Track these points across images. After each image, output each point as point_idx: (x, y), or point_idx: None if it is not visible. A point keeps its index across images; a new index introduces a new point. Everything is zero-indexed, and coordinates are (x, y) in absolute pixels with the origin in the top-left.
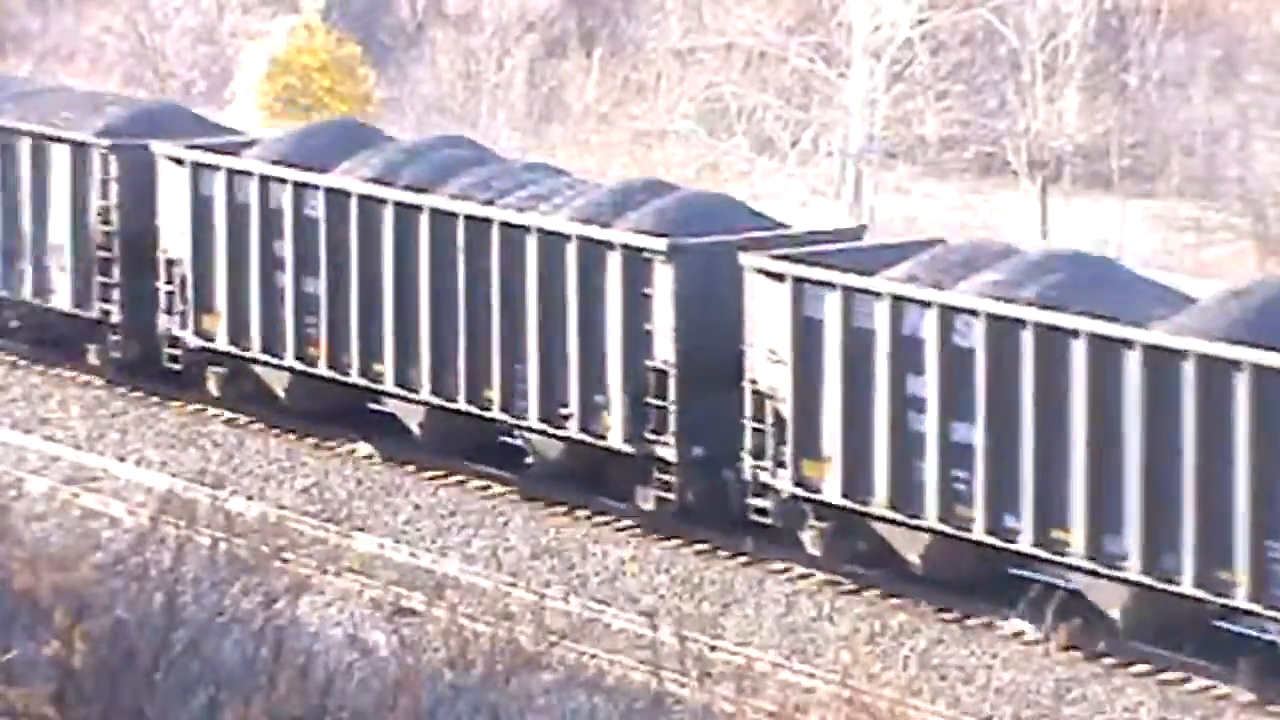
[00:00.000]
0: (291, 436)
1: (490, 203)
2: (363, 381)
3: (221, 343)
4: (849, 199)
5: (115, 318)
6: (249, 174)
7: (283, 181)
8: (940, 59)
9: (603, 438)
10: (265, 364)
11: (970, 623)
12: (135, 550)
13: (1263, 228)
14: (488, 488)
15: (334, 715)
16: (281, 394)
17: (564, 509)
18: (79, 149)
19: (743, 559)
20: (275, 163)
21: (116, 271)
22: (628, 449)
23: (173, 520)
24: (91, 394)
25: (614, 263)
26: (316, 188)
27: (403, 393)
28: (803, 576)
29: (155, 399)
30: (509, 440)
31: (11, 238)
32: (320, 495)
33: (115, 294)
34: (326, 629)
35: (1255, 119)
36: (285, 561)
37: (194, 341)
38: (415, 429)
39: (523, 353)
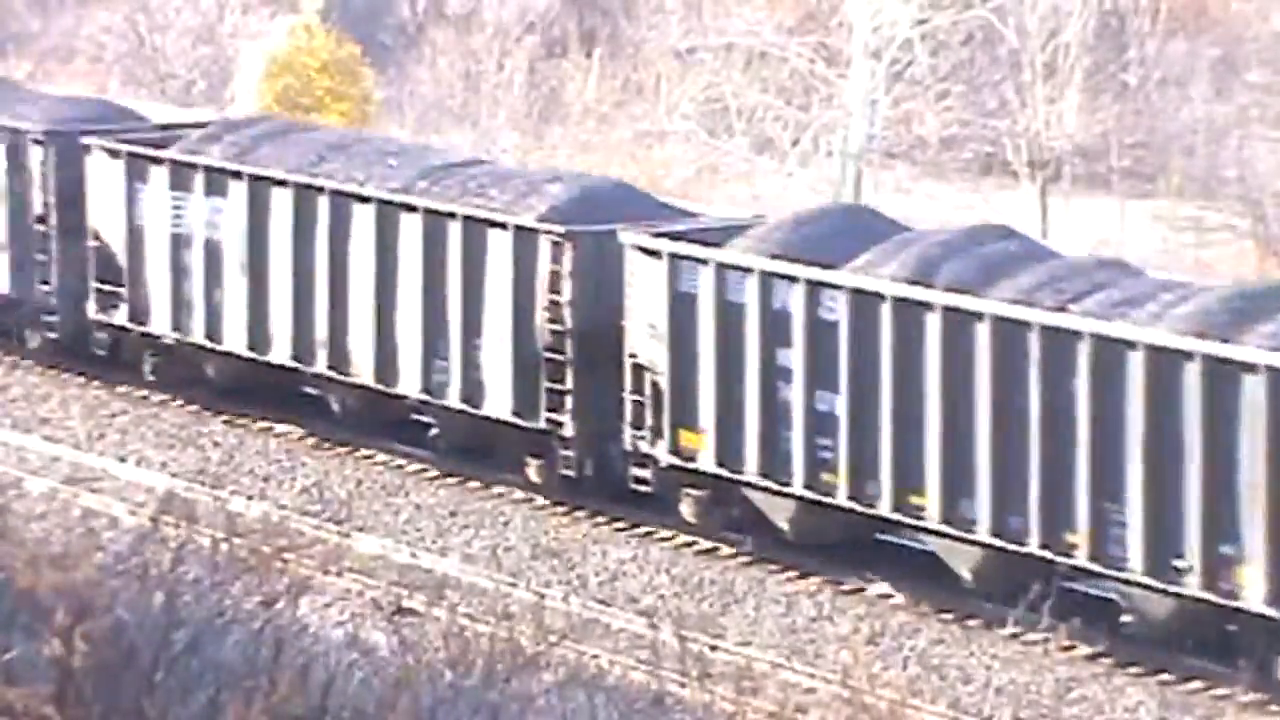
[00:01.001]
0: (292, 436)
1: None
2: (895, 515)
3: (706, 464)
4: (849, 199)
5: (567, 429)
6: (746, 270)
7: (792, 279)
8: (940, 59)
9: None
10: (764, 490)
11: (970, 623)
12: (135, 550)
13: (1263, 228)
14: (488, 487)
15: (334, 715)
16: (784, 524)
17: (564, 509)
18: (523, 235)
19: (743, 559)
20: (775, 256)
21: (569, 376)
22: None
23: (173, 520)
24: (91, 394)
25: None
26: (837, 287)
27: (950, 530)
28: (802, 576)
29: (155, 399)
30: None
31: (436, 336)
32: (320, 495)
33: (567, 402)
34: (326, 629)
35: (1255, 119)
36: (285, 562)
37: (668, 460)
38: (964, 574)
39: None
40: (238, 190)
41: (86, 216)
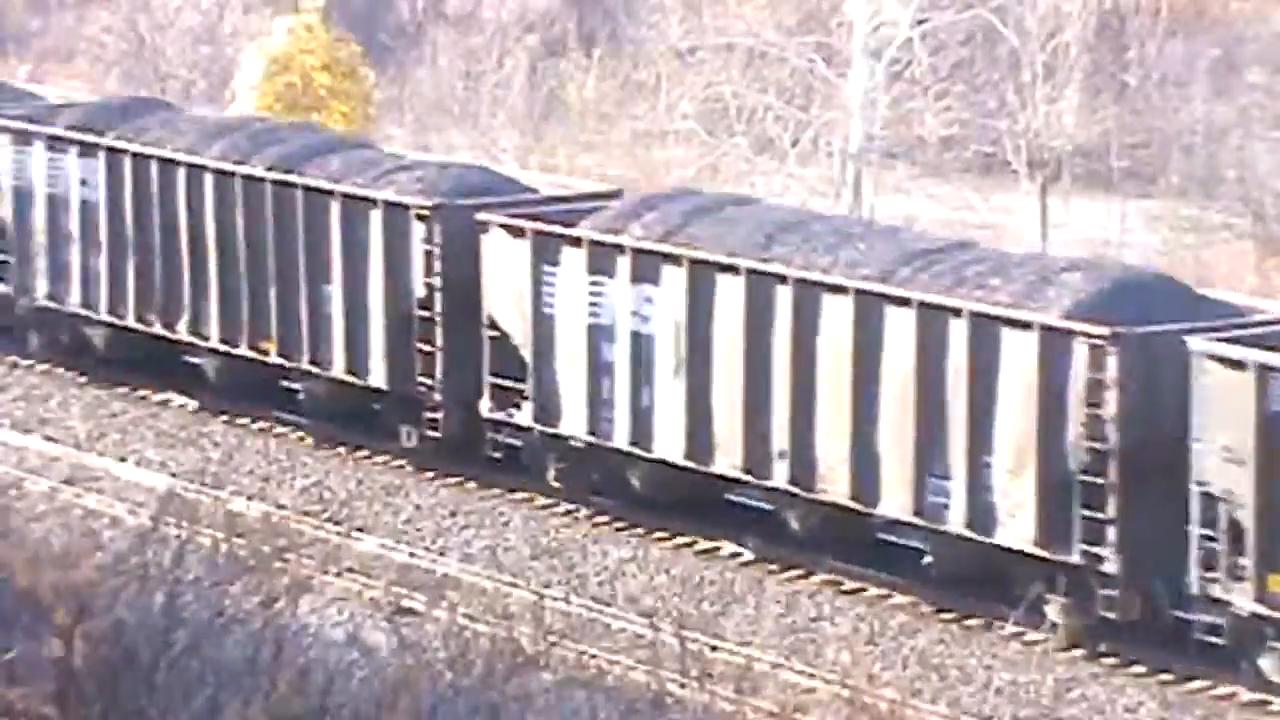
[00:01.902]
0: (292, 436)
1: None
2: None
3: None
4: (849, 199)
5: (1109, 565)
6: None
7: None
8: (940, 59)
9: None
10: None
11: (970, 623)
12: (135, 550)
13: (1262, 228)
14: (488, 487)
15: (334, 715)
16: None
17: (564, 509)
18: (1050, 336)
19: (743, 559)
20: None
21: (1111, 503)
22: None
23: (173, 520)
24: (91, 394)
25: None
26: None
27: None
28: (802, 576)
29: (155, 399)
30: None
31: (932, 449)
32: (320, 495)
33: (1109, 533)
34: (326, 629)
35: (1255, 119)
36: (285, 562)
37: (1250, 608)
38: None
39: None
40: (673, 276)
41: (481, 302)
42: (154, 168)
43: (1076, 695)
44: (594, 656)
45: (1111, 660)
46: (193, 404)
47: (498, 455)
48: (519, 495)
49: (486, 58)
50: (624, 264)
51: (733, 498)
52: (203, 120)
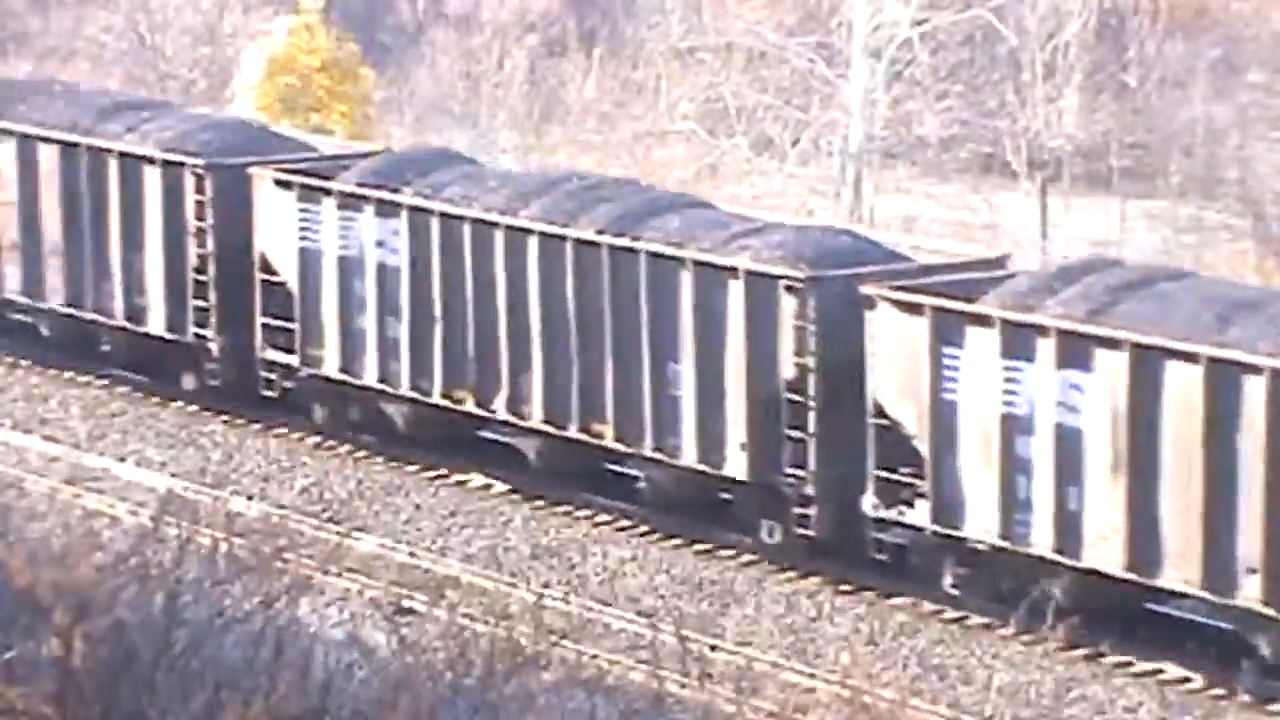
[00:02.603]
0: (292, 436)
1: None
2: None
3: None
4: (849, 199)
5: None
6: None
7: None
8: (940, 59)
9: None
10: None
11: (970, 623)
12: (135, 550)
13: (1263, 228)
14: (488, 487)
15: (334, 715)
16: None
17: (564, 509)
18: None
19: (743, 559)
20: None
21: None
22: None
23: (173, 520)
24: (91, 394)
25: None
26: None
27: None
28: (803, 576)
29: (155, 399)
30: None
31: None
32: (320, 495)
33: None
34: (326, 629)
35: (1255, 119)
36: (285, 561)
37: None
38: None
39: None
40: (1109, 361)
41: (866, 386)
42: (466, 229)
43: (1076, 695)
44: (594, 656)
45: (1111, 660)
46: (193, 405)
47: (883, 556)
48: (519, 495)
49: (486, 58)
50: (1046, 347)
51: (1175, 612)
52: (510, 176)
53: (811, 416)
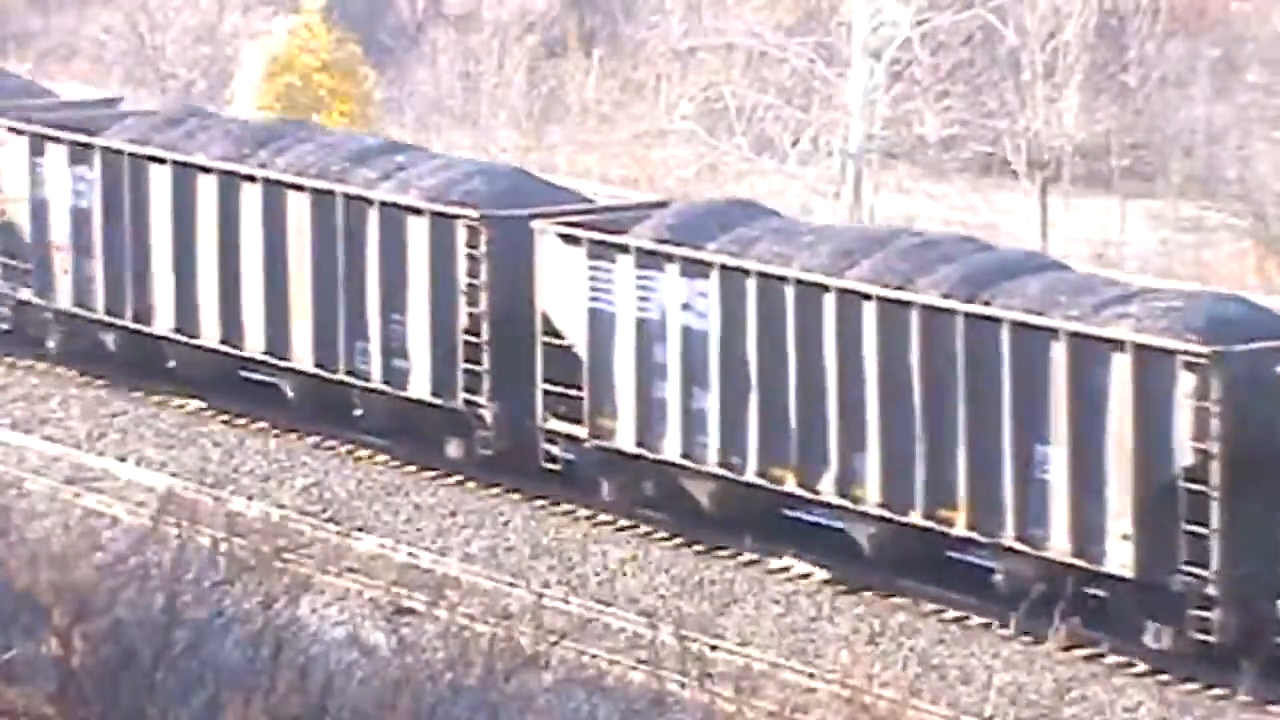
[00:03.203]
0: (292, 436)
1: None
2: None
3: None
4: (849, 199)
5: None
6: None
7: None
8: (940, 59)
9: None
10: None
11: (970, 623)
12: (135, 550)
13: (1263, 228)
14: (488, 487)
15: (334, 715)
16: None
17: (564, 509)
18: None
19: (743, 559)
20: None
21: None
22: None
23: (173, 520)
24: (91, 394)
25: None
26: None
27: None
28: (803, 576)
29: (155, 399)
30: None
31: None
32: (320, 495)
33: None
34: (326, 629)
35: (1255, 119)
36: (285, 562)
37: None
38: None
39: None
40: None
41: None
42: (789, 291)
43: (1076, 695)
44: (594, 656)
45: (1111, 660)
46: (193, 404)
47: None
48: (519, 495)
49: (486, 58)
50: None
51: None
52: (826, 231)
53: (1214, 509)
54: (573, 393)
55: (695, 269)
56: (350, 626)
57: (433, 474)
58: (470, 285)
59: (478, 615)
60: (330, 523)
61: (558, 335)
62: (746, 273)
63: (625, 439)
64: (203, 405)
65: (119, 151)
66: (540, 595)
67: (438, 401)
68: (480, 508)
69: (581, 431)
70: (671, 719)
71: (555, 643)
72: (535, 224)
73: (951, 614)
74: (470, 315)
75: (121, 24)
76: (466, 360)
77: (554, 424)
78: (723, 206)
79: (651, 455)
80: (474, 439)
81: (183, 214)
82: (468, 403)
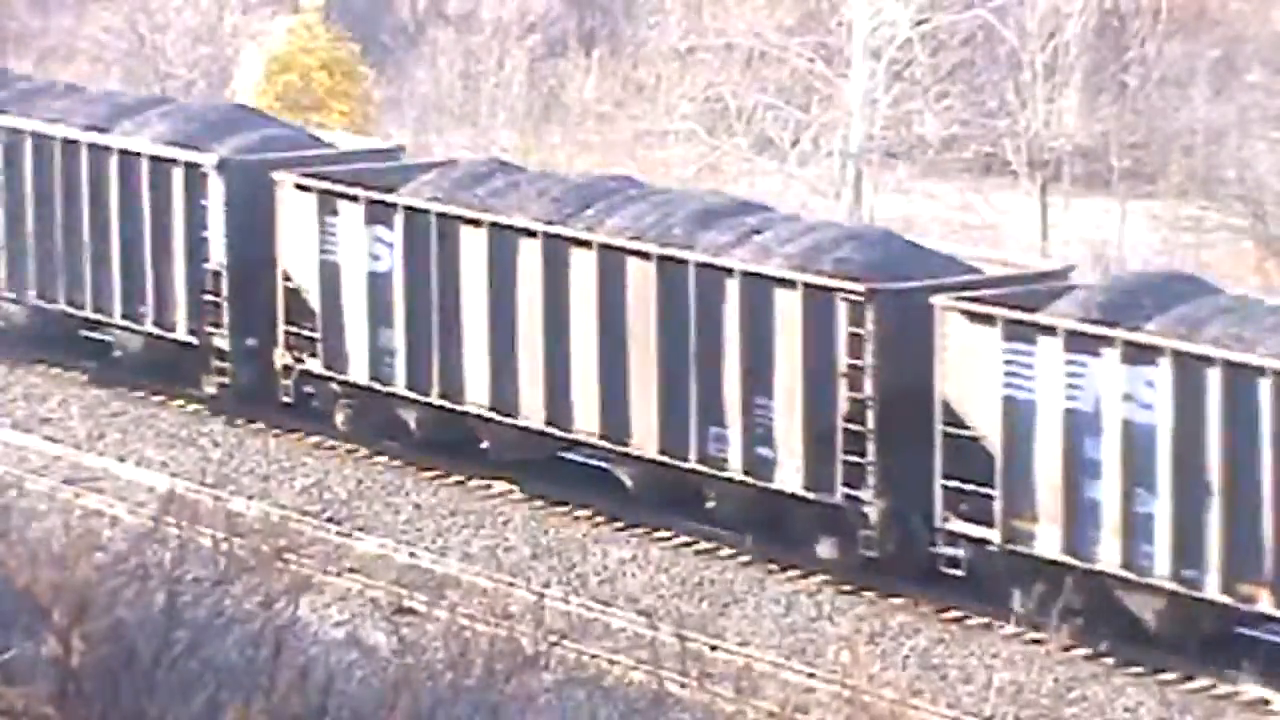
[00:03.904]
0: (292, 436)
1: None
2: None
3: None
4: (849, 199)
5: None
6: None
7: None
8: (940, 59)
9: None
10: None
11: (970, 623)
12: (135, 550)
13: (1263, 228)
14: (488, 487)
15: (334, 715)
16: None
17: (564, 509)
18: None
19: (743, 559)
20: None
21: None
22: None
23: (173, 520)
24: (91, 394)
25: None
26: None
27: None
28: (803, 576)
29: (155, 399)
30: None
31: None
32: (320, 495)
33: None
34: (326, 629)
35: (1255, 119)
36: (285, 562)
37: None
38: None
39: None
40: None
41: None
42: (1267, 386)
43: (1076, 695)
44: (594, 656)
45: (1111, 660)
46: (193, 404)
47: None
48: (519, 495)
49: (486, 58)
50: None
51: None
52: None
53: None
54: (985, 491)
55: (1140, 355)
56: (350, 626)
57: (432, 474)
58: (852, 367)
59: (478, 615)
60: (330, 523)
61: (964, 426)
62: (1209, 361)
63: (1048, 545)
64: (202, 406)
65: (424, 211)
66: (540, 595)
67: (810, 495)
68: (480, 508)
69: (993, 535)
70: (671, 719)
71: (555, 643)
72: (937, 300)
73: (951, 614)
74: (852, 401)
75: (121, 24)
76: (847, 451)
77: (957, 525)
78: (1155, 279)
79: (1079, 564)
80: (852, 538)
81: (500, 281)
82: (848, 498)
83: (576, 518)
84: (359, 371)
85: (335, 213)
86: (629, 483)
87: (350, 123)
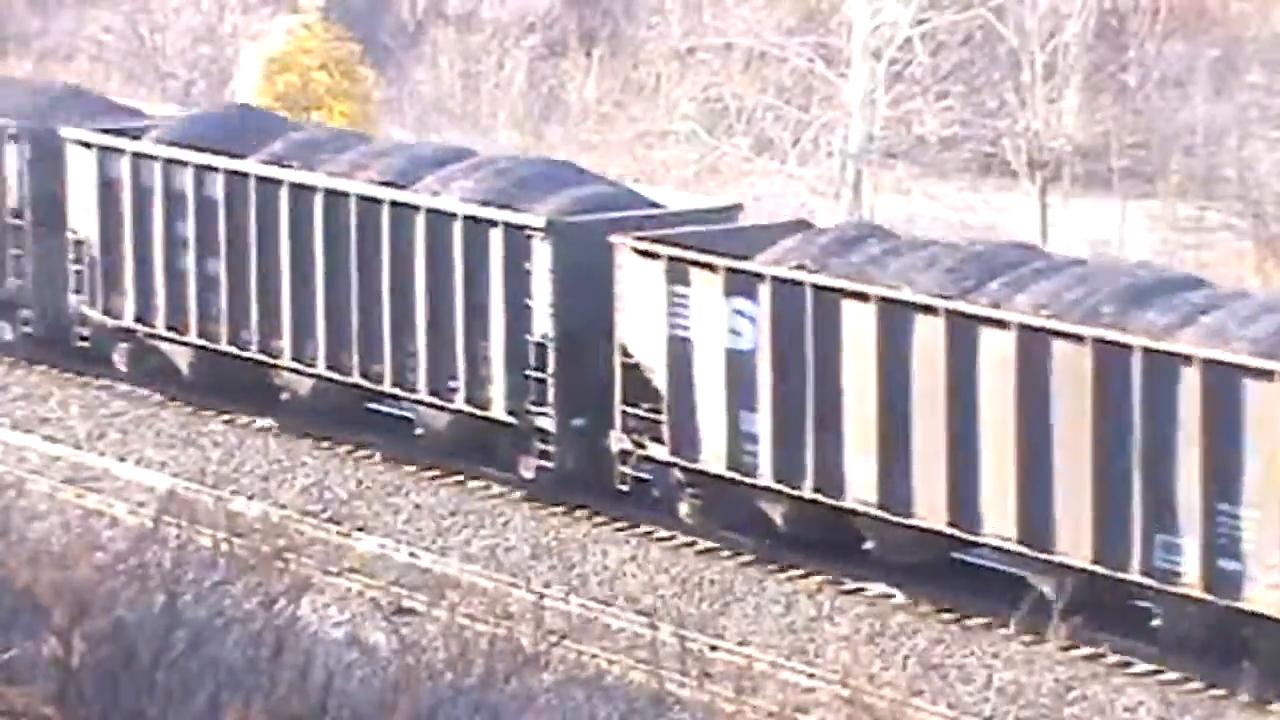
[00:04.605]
0: (292, 436)
1: None
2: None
3: None
4: (849, 199)
5: None
6: None
7: None
8: (940, 59)
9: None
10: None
11: (970, 623)
12: (135, 550)
13: (1263, 228)
14: (488, 488)
15: (334, 715)
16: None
17: (564, 509)
18: None
19: (743, 559)
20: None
21: None
22: None
23: (173, 520)
24: (91, 394)
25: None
26: None
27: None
28: (803, 576)
29: (155, 399)
30: None
31: None
32: (320, 495)
33: None
34: (326, 629)
35: (1255, 119)
36: (286, 562)
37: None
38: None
39: None
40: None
41: None
42: None
43: (1076, 695)
44: (594, 656)
45: (1111, 660)
46: (192, 404)
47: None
48: (518, 495)
49: (486, 58)
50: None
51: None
52: None
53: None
54: (652, 414)
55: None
56: (350, 626)
57: (433, 474)
58: None
59: (478, 615)
60: (330, 523)
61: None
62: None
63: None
64: (203, 405)
65: (795, 283)
66: (540, 595)
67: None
68: (480, 508)
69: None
70: (671, 719)
71: (555, 643)
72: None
73: (951, 614)
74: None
75: (121, 24)
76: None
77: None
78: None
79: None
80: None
81: (891, 361)
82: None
83: (577, 518)
84: (714, 459)
85: (686, 282)
86: (1049, 591)
87: (350, 123)
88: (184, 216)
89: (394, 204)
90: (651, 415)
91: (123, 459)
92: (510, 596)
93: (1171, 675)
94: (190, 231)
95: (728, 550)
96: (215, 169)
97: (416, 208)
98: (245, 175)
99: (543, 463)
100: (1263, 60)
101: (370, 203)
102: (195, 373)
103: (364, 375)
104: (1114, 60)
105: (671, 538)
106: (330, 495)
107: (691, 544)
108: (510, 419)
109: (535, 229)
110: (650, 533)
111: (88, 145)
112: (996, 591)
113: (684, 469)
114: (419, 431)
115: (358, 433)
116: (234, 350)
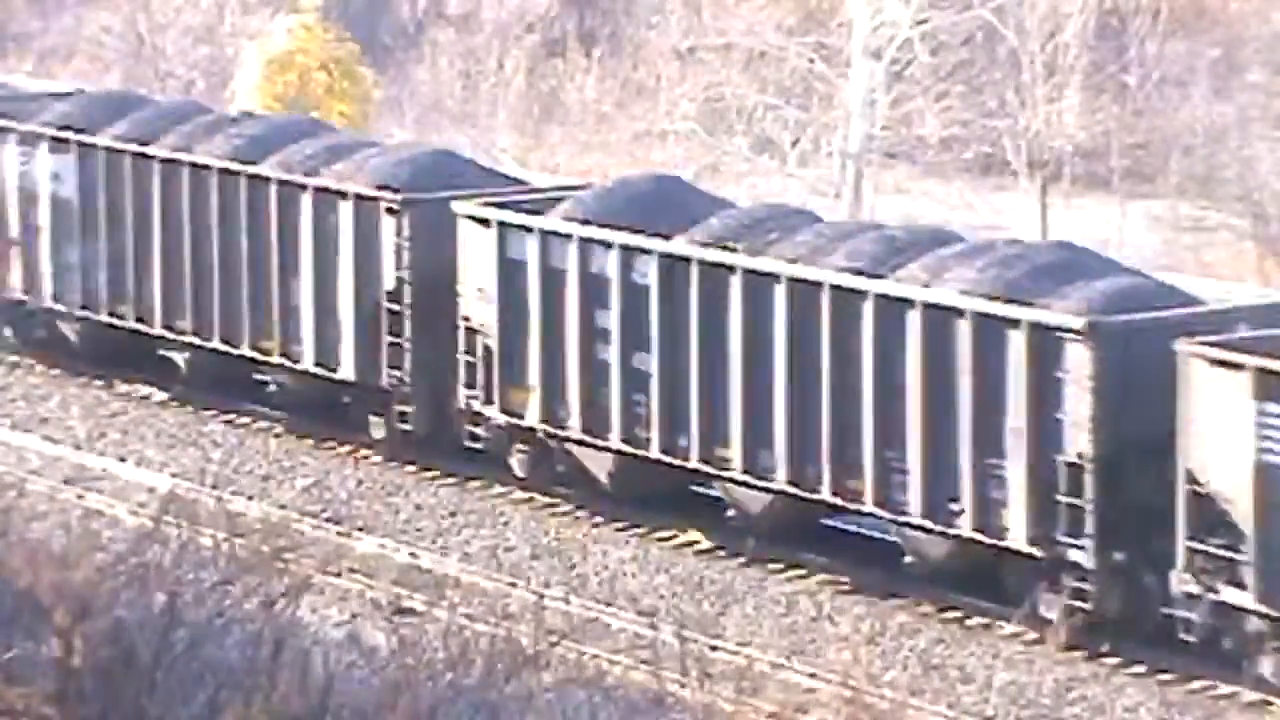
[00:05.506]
0: (292, 436)
1: None
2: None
3: None
4: (849, 199)
5: None
6: None
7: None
8: (940, 59)
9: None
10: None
11: (970, 623)
12: (136, 550)
13: (1263, 228)
14: (488, 488)
15: (334, 715)
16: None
17: (564, 509)
18: None
19: (742, 559)
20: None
21: None
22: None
23: (174, 520)
24: (91, 394)
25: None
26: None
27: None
28: (802, 577)
29: (155, 399)
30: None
31: None
32: (320, 495)
33: None
34: (326, 629)
35: (1255, 119)
36: (286, 562)
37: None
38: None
39: None
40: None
41: None
42: None
43: (1076, 695)
44: (594, 656)
45: (1112, 660)
46: (192, 404)
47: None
48: (519, 495)
49: (486, 58)
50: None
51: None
52: None
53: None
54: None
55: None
56: (350, 626)
57: (433, 474)
58: None
59: (478, 615)
60: (330, 523)
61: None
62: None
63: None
64: (203, 405)
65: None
66: (540, 595)
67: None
68: (480, 508)
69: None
70: (671, 719)
71: (555, 643)
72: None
73: (951, 614)
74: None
75: (121, 24)
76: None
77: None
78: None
79: None
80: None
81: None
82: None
83: (577, 518)
84: None
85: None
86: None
87: (350, 123)
88: (606, 304)
89: (880, 296)
90: (1225, 552)
91: (123, 459)
92: (510, 596)
93: (1171, 675)
94: (614, 321)
95: (727, 550)
96: (648, 251)
97: (911, 302)
98: (686, 260)
99: (1077, 603)
100: (1263, 60)
101: (848, 294)
102: (614, 483)
103: (835, 493)
104: (1114, 60)
105: (671, 538)
106: (330, 495)
107: (692, 544)
108: (1034, 551)
109: (1070, 330)
110: (650, 533)
111: (485, 222)
112: None
113: (1273, 619)
114: (908, 559)
115: (821, 554)
116: (667, 459)
